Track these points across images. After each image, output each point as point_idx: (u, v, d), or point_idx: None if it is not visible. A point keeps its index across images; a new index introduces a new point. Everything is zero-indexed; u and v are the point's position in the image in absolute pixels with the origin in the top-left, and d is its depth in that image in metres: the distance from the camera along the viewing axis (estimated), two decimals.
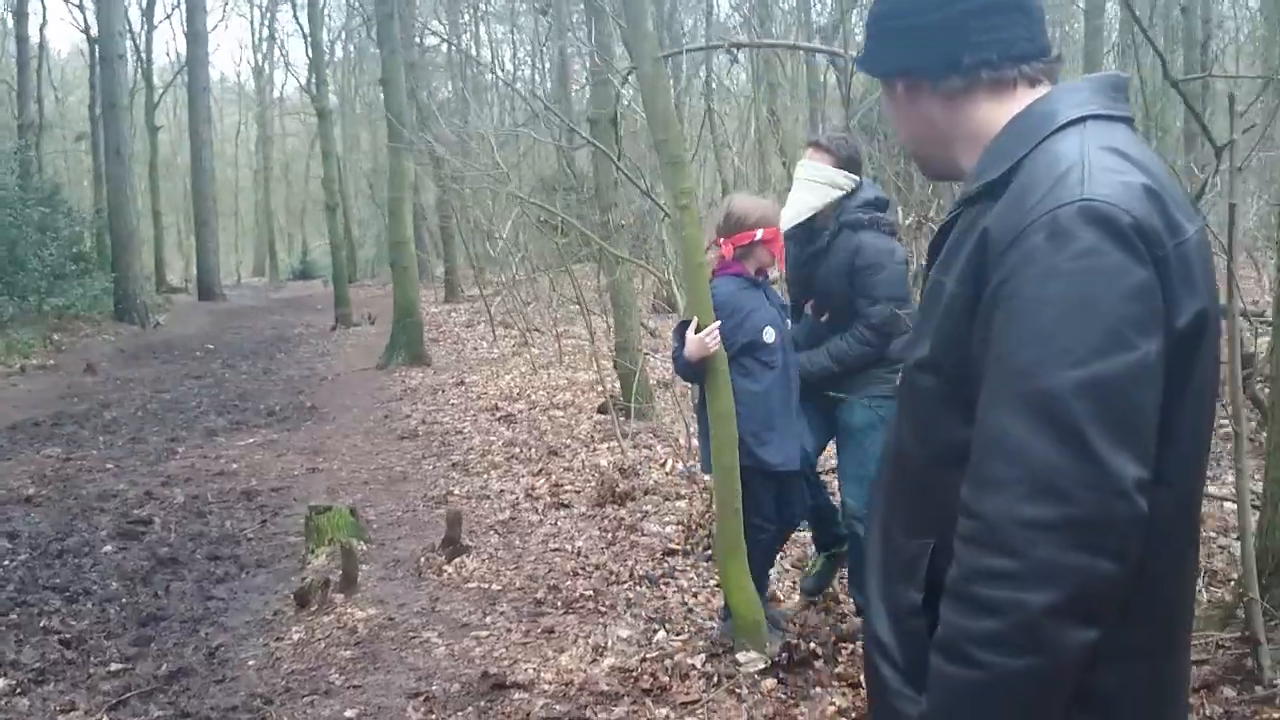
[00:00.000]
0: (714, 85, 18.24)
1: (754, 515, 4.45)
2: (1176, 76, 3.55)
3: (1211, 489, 6.04)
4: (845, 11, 7.54)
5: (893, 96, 1.56)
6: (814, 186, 4.45)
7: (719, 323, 4.26)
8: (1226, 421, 3.87)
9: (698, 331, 4.21)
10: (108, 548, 6.85)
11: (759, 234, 4.34)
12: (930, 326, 1.40)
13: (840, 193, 4.46)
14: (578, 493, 7.38)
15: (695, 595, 5.25)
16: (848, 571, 4.88)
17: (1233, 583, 4.68)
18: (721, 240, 4.40)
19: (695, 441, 7.97)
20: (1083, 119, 1.39)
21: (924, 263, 1.58)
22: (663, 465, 7.85)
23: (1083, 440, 1.22)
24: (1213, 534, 5.40)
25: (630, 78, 7.47)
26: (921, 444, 1.43)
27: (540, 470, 8.05)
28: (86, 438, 10.57)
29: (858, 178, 4.52)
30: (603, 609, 5.22)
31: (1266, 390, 6.35)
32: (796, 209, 4.49)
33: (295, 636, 5.25)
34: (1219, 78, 9.24)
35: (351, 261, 29.25)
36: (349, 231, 29.97)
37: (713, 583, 5.37)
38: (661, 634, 4.83)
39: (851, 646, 4.48)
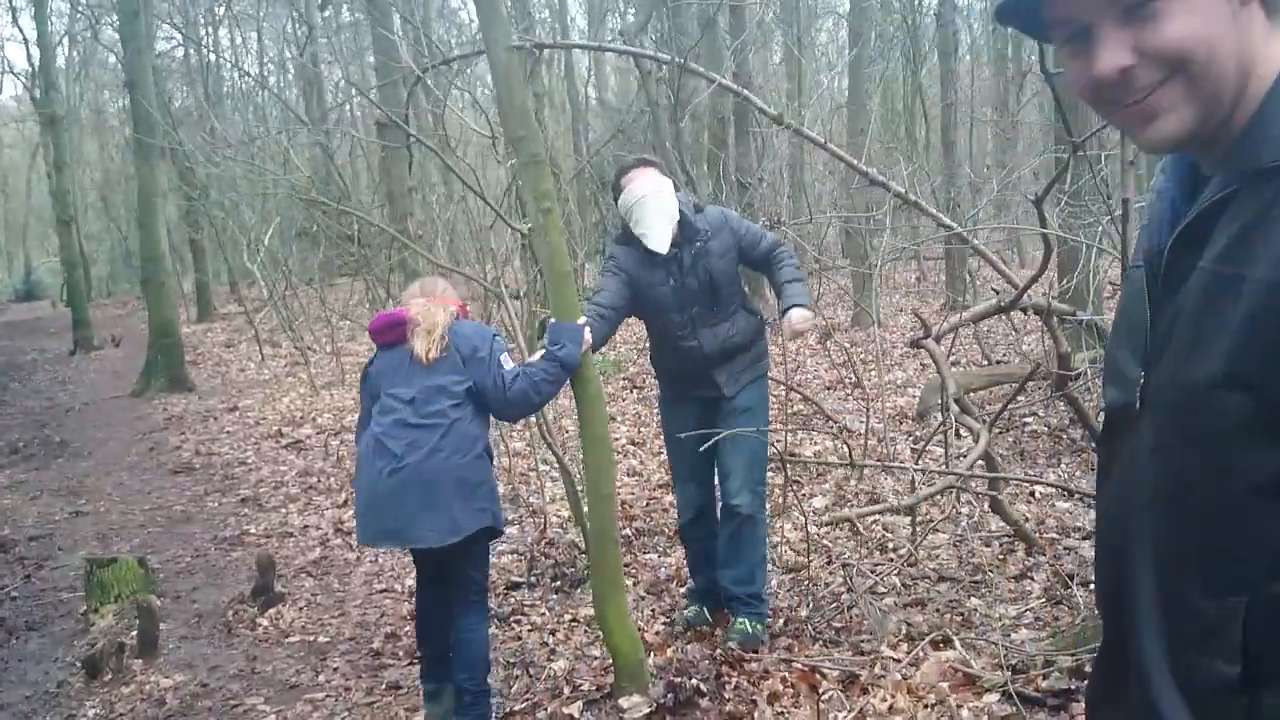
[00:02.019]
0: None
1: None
2: (1050, 68, 3.40)
3: None
4: (650, 14, 7.25)
5: None
6: (663, 201, 4.33)
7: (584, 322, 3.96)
8: None
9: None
10: None
11: None
12: (1225, 333, 1.06)
13: (676, 194, 4.45)
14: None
15: (553, 633, 4.81)
16: (690, 558, 4.86)
17: None
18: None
19: (504, 461, 7.56)
20: None
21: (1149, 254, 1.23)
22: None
23: None
24: (1074, 539, 5.39)
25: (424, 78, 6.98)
26: (1222, 480, 1.09)
27: (345, 501, 7.40)
28: None
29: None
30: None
31: None
32: (666, 227, 4.34)
33: (91, 713, 4.52)
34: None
35: (86, 280, 27.00)
36: (82, 248, 27.68)
37: (568, 618, 4.95)
38: (524, 681, 4.38)
39: (735, 678, 4.17)
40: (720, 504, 4.55)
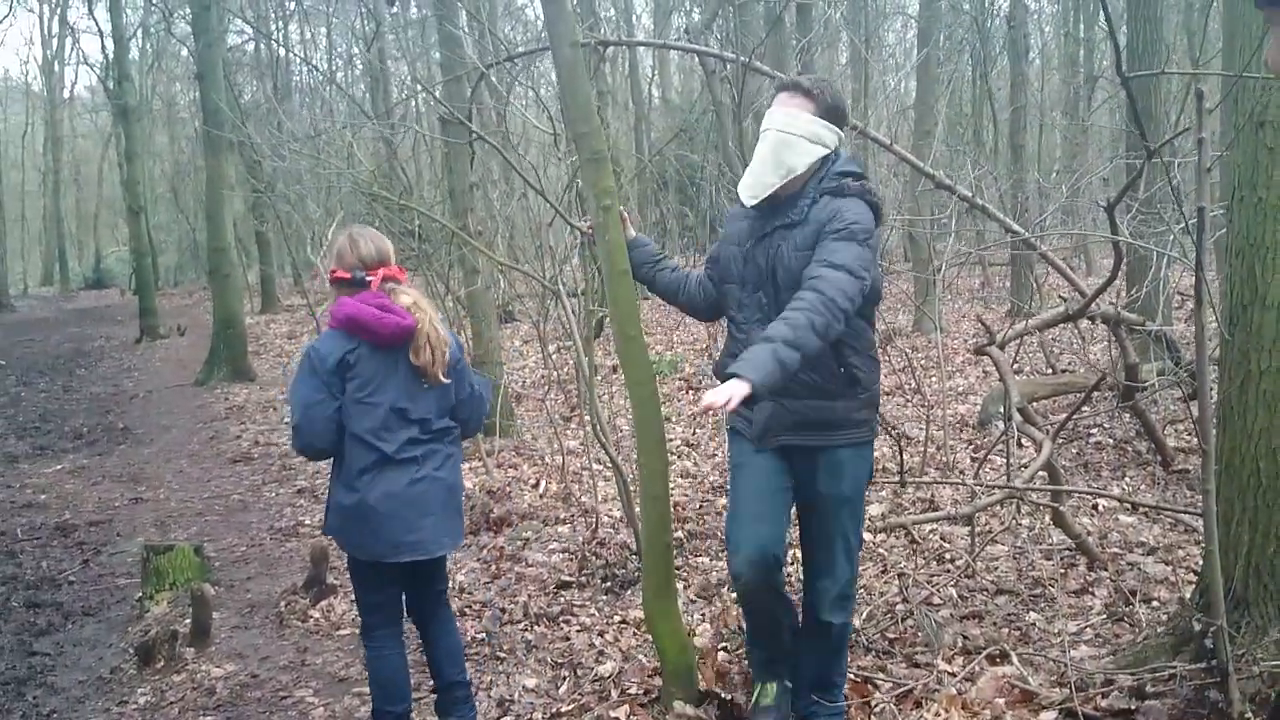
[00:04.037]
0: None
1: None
2: (1127, 73, 3.30)
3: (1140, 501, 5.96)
4: (715, 12, 7.18)
5: None
6: (792, 142, 3.34)
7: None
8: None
9: None
10: None
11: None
12: None
13: (825, 151, 3.38)
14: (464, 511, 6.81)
15: (602, 635, 4.77)
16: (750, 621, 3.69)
17: (1169, 605, 4.52)
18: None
19: (557, 459, 7.54)
20: None
21: None
22: (534, 486, 7.34)
23: None
24: (1137, 555, 5.25)
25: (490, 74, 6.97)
26: None
27: None
28: None
29: (842, 132, 3.46)
30: (500, 654, 4.70)
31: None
32: (768, 173, 3.37)
33: (142, 700, 4.55)
34: (1175, 74, 9.24)
35: (154, 270, 27.46)
36: (151, 238, 28.17)
37: (617, 620, 4.91)
38: (571, 682, 4.34)
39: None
40: (805, 612, 3.65)
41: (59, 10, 40.06)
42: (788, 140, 3.35)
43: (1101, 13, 4.05)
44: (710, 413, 3.04)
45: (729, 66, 6.16)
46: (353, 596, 5.54)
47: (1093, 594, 4.79)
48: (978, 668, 3.91)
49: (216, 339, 14.43)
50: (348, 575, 3.95)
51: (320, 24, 31.60)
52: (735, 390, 2.88)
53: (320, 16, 30.35)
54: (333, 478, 3.66)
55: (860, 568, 5.22)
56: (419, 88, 13.92)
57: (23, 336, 21.25)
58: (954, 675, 3.91)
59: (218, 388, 13.50)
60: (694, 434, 8.70)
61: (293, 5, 29.07)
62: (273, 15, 28.37)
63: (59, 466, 9.31)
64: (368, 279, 3.61)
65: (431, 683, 3.95)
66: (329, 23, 30.84)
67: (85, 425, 11.37)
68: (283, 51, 26.54)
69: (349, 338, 3.56)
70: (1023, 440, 5.70)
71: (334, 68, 30.85)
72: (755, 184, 3.41)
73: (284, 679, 4.66)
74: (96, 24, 42.89)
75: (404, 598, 3.87)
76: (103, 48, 40.38)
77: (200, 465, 9.22)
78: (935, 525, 5.72)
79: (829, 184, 3.37)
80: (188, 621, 5.07)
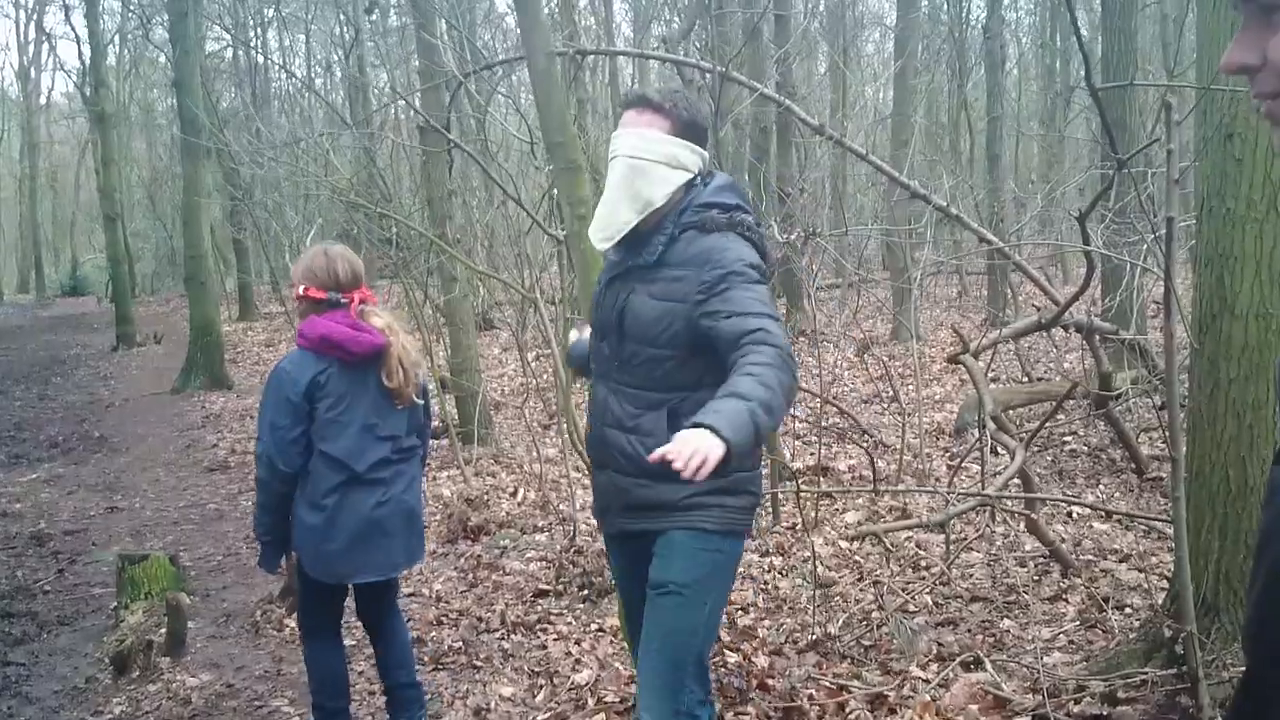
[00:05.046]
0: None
1: None
2: (1097, 84, 3.34)
3: (1118, 508, 6.01)
4: (694, 22, 7.23)
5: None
6: (646, 169, 2.77)
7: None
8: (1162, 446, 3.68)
9: None
10: None
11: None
12: None
13: (687, 176, 2.81)
14: (425, 528, 6.80)
15: (579, 643, 4.78)
16: None
17: (1141, 611, 4.56)
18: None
19: (535, 467, 7.54)
20: None
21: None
22: (513, 494, 7.35)
23: None
24: (1110, 562, 5.30)
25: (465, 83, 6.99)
26: None
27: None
28: None
29: (705, 152, 2.89)
30: (477, 663, 4.70)
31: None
32: (621, 208, 2.79)
33: (117, 709, 4.52)
34: (1145, 85, 9.33)
35: (131, 277, 27.30)
36: (128, 245, 28.02)
37: (594, 628, 4.92)
38: (548, 690, 4.35)
39: (761, 696, 4.11)
40: None
41: (35, 16, 39.93)
42: (640, 167, 2.77)
43: (1073, 25, 4.09)
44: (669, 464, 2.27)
45: (707, 76, 6.19)
46: None
47: (1066, 601, 4.83)
48: (951, 674, 3.94)
49: (193, 347, 14.37)
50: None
51: (299, 31, 31.58)
52: (709, 449, 2.26)
53: (299, 24, 30.33)
54: (297, 495, 3.63)
55: (837, 574, 5.27)
56: (397, 96, 13.92)
57: None
58: (928, 682, 3.94)
59: (194, 396, 13.45)
60: None
61: (271, 12, 29.04)
62: (251, 22, 28.31)
63: (34, 475, 9.25)
64: (343, 301, 3.60)
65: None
66: (308, 30, 30.82)
67: (61, 434, 11.30)
68: (261, 58, 26.48)
69: (319, 358, 3.54)
70: (998, 448, 5.74)
71: (313, 75, 30.80)
72: (608, 223, 2.80)
73: (259, 688, 4.65)
74: (74, 30, 42.56)
75: (354, 603, 3.94)
76: (80, 54, 40.15)
77: (176, 474, 9.18)
78: (911, 533, 5.75)
79: (690, 217, 2.77)
80: (163, 631, 5.04)
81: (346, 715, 3.90)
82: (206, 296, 14.63)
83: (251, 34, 28.28)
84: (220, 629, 5.39)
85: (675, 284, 2.71)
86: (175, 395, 13.68)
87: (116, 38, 32.00)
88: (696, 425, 2.31)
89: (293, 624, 5.31)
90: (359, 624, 4.27)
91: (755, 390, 2.39)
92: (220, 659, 4.98)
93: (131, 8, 27.55)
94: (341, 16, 22.61)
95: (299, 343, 3.62)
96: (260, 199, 14.97)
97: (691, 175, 2.83)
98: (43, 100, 43.52)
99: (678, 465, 2.25)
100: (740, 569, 5.37)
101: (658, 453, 2.29)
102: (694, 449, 2.25)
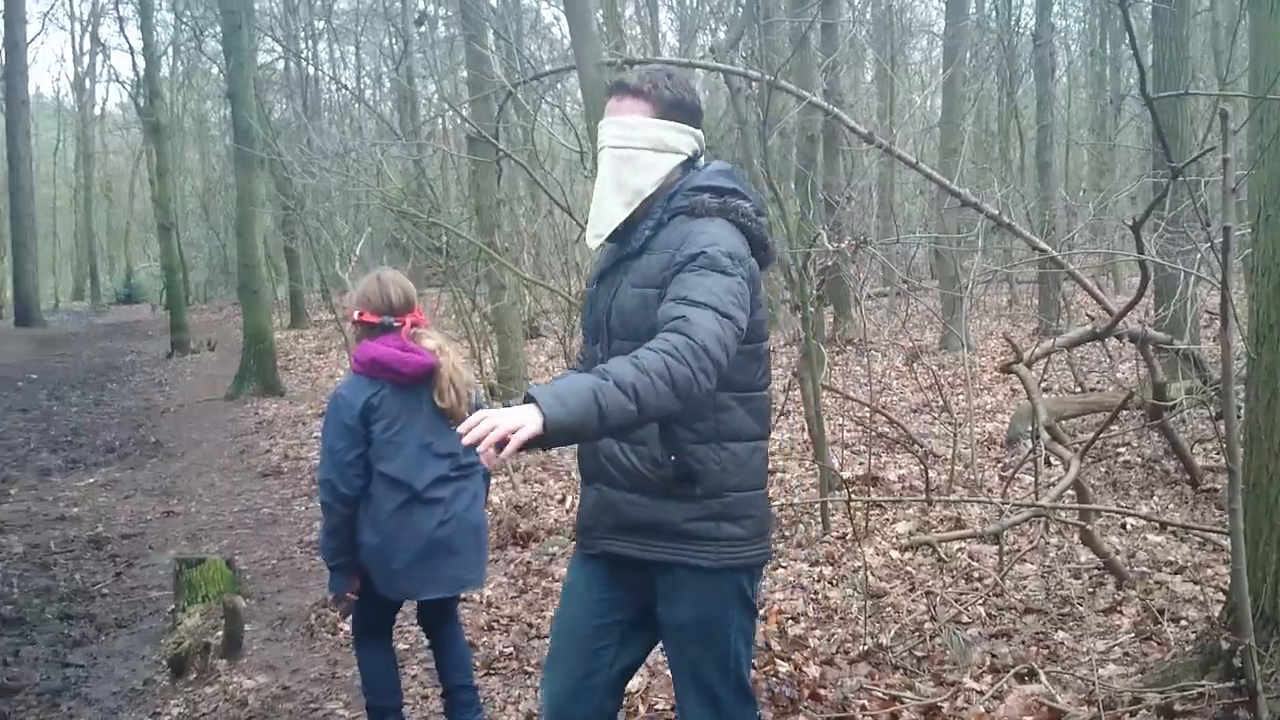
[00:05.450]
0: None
1: None
2: (1152, 93, 3.32)
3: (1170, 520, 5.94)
4: (741, 31, 7.25)
5: None
6: (632, 157, 2.60)
7: None
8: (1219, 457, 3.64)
9: None
10: None
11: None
12: None
13: (679, 158, 2.63)
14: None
15: None
16: None
17: (1197, 624, 4.51)
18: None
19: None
20: None
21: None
22: (561, 501, 7.38)
23: None
24: (1166, 574, 5.24)
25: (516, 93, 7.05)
26: None
27: None
28: None
29: (697, 131, 2.70)
30: (528, 669, 4.73)
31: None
32: (611, 202, 2.62)
33: (175, 711, 4.60)
34: (1200, 95, 9.25)
35: (185, 285, 27.74)
36: (182, 254, 28.51)
37: None
38: None
39: (813, 706, 4.11)
40: None
41: (90, 27, 40.73)
42: (625, 156, 2.60)
43: (1126, 33, 4.07)
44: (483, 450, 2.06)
45: (754, 85, 6.21)
46: None
47: (1121, 613, 4.78)
48: (1005, 686, 3.92)
49: (246, 354, 14.57)
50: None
51: (349, 43, 31.97)
52: (522, 421, 2.05)
53: (349, 35, 30.69)
54: (360, 518, 3.68)
55: (888, 584, 5.25)
56: (446, 106, 14.06)
57: (55, 351, 21.48)
58: (982, 693, 3.91)
59: (248, 402, 13.63)
60: None
61: (322, 24, 29.43)
62: (302, 34, 28.70)
63: (91, 480, 9.42)
64: (395, 325, 3.69)
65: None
66: (358, 41, 31.19)
67: (117, 439, 11.49)
68: (312, 70, 26.84)
69: (372, 382, 3.63)
70: (1051, 459, 5.70)
71: (363, 86, 31.18)
72: (600, 218, 2.64)
73: (315, 691, 4.70)
74: (128, 41, 43.35)
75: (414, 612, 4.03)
76: (134, 65, 40.95)
77: (231, 479, 9.31)
78: (964, 543, 5.72)
79: (680, 202, 2.57)
80: (220, 634, 5.12)
81: (399, 716, 3.95)
82: (259, 304, 14.84)
83: (303, 45, 28.67)
84: (275, 632, 5.47)
85: (651, 269, 2.52)
86: (229, 401, 13.86)
87: (170, 49, 32.51)
88: (525, 396, 2.13)
89: (347, 628, 5.38)
90: (412, 628, 4.32)
91: (623, 372, 2.15)
92: (276, 661, 5.05)
93: (185, 20, 28.00)
94: (391, 28, 22.90)
95: (353, 368, 3.72)
96: (312, 208, 15.16)
97: (684, 156, 2.64)
98: (97, 111, 44.37)
99: (468, 441, 2.04)
100: (790, 578, 5.40)
101: (467, 430, 2.05)
102: (493, 423, 2.04)
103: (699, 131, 2.69)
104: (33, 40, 44.30)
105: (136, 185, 41.02)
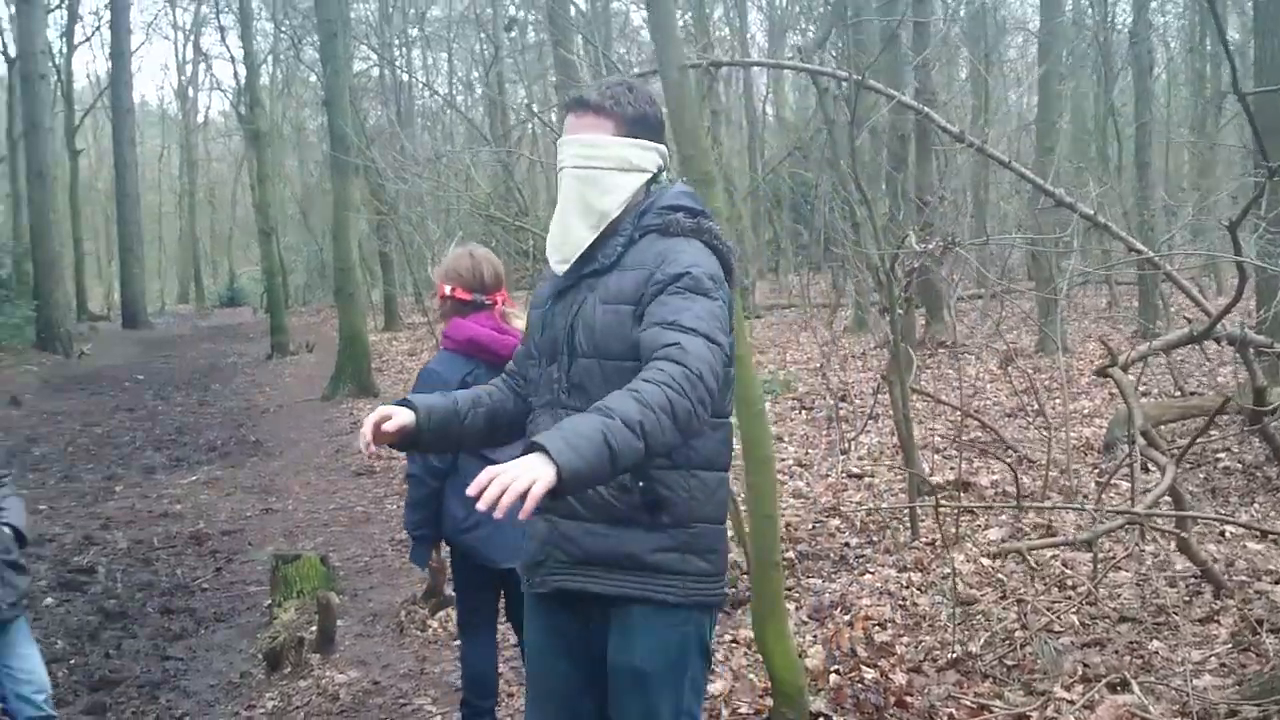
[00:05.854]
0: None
1: None
2: (1245, 89, 3.23)
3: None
4: (830, 30, 7.20)
5: None
6: (596, 178, 2.48)
7: None
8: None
9: None
10: (48, 600, 6.26)
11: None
12: None
13: (645, 176, 2.52)
14: None
15: (713, 654, 4.79)
16: None
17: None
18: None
19: None
20: None
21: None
22: None
23: None
24: (1265, 583, 5.08)
25: None
26: None
27: None
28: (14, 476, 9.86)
29: (663, 147, 2.59)
30: None
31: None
32: (576, 225, 2.49)
33: (269, 704, 4.73)
34: None
35: (284, 288, 28.42)
36: (281, 258, 29.21)
37: (728, 639, 4.93)
38: None
39: (900, 714, 4.08)
40: None
41: (193, 37, 41.90)
42: (588, 177, 2.48)
43: (1218, 29, 3.97)
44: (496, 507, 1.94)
45: (843, 84, 6.17)
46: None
47: (1218, 623, 4.65)
48: (1097, 695, 3.85)
49: (342, 355, 14.87)
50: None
51: (441, 50, 32.45)
52: (536, 474, 1.94)
53: (441, 42, 31.15)
54: (447, 490, 3.67)
55: (978, 592, 5.18)
56: (534, 112, 14.19)
57: (160, 353, 22.18)
58: (1072, 703, 3.84)
59: (343, 403, 13.91)
60: (806, 454, 8.68)
61: (415, 32, 29.91)
62: (396, 42, 29.19)
63: (194, 478, 9.70)
64: (488, 302, 3.66)
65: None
66: (450, 48, 31.64)
67: (219, 438, 11.82)
68: (405, 77, 27.28)
69: (467, 360, 3.60)
70: (1148, 465, 5.56)
71: (454, 92, 31.61)
72: (564, 242, 2.51)
73: (404, 687, 4.79)
74: (229, 51, 44.65)
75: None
76: (235, 73, 42.01)
77: (326, 477, 9.52)
78: (1057, 551, 5.61)
79: (652, 220, 2.48)
80: (313, 629, 5.25)
81: (492, 716, 3.97)
82: (354, 307, 15.13)
83: (396, 53, 29.16)
84: (367, 628, 5.58)
85: (625, 286, 2.42)
86: (325, 402, 14.16)
87: (269, 58, 33.36)
88: (530, 445, 2.00)
89: (436, 625, 5.48)
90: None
91: (627, 408, 2.05)
92: (367, 657, 5.16)
93: (284, 29, 28.71)
94: (482, 35, 23.18)
95: (444, 344, 3.69)
96: (405, 213, 15.43)
97: (649, 174, 2.53)
98: (200, 119, 45.66)
99: (482, 506, 1.92)
100: (878, 584, 5.36)
101: (479, 490, 1.95)
102: (505, 481, 1.94)
103: (663, 147, 2.60)
104: (137, 50, 45.81)
105: (238, 191, 42.15)
